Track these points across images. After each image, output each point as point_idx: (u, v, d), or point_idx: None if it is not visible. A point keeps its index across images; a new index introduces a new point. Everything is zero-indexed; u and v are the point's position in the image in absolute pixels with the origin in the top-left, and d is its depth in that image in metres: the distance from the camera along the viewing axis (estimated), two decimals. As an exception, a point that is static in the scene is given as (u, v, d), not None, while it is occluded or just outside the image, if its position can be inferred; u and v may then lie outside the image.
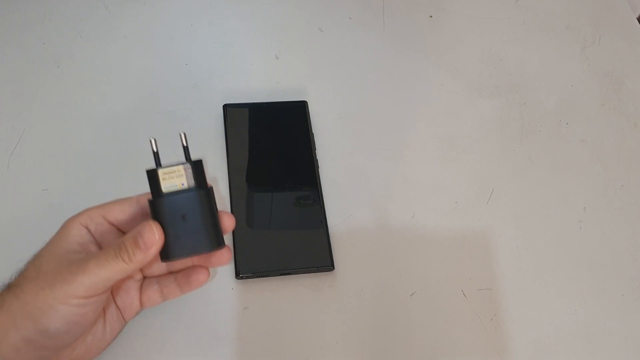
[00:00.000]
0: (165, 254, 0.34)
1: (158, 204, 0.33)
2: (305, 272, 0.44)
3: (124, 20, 0.56)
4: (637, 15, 0.66)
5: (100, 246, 0.35)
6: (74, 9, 0.56)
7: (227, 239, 0.42)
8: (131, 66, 0.54)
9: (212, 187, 0.35)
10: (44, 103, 0.50)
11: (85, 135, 0.49)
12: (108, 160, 0.48)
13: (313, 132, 0.50)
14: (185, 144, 0.35)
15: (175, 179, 0.34)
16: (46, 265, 0.32)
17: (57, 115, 0.50)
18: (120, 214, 0.35)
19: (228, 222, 0.36)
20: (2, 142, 0.48)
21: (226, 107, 0.50)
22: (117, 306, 0.37)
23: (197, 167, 0.34)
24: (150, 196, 0.34)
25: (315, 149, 0.49)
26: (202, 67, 0.54)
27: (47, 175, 0.46)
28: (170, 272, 0.39)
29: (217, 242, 0.35)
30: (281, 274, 0.43)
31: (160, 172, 0.33)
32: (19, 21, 0.55)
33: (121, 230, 0.37)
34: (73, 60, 0.53)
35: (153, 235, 0.32)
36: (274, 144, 0.49)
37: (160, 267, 0.39)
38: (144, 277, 0.39)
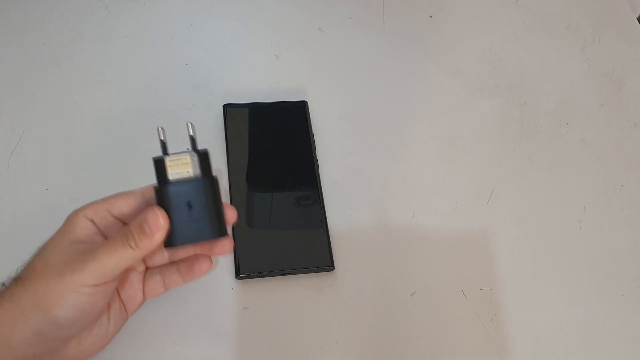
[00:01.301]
0: (169, 241, 0.34)
1: (164, 191, 0.34)
2: (305, 272, 0.44)
3: (124, 20, 0.56)
4: (637, 15, 0.66)
5: (106, 237, 0.35)
6: (74, 9, 0.56)
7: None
8: (131, 66, 0.54)
9: (217, 177, 0.35)
10: (44, 103, 0.50)
11: (85, 135, 0.49)
12: (108, 160, 0.48)
13: (313, 132, 0.50)
14: (192, 134, 0.35)
15: (181, 167, 0.34)
16: (53, 258, 0.32)
17: (57, 115, 0.50)
18: (124, 208, 0.36)
19: (230, 214, 0.36)
20: (2, 142, 0.48)
21: (226, 107, 0.50)
22: (120, 299, 0.37)
23: (203, 157, 0.35)
24: (155, 186, 0.35)
25: (315, 149, 0.49)
26: (202, 67, 0.54)
27: (47, 175, 0.46)
28: (172, 262, 0.39)
29: (220, 231, 0.35)
30: (281, 274, 0.43)
31: (167, 159, 0.34)
32: (19, 21, 0.55)
33: (126, 224, 0.37)
34: (73, 60, 0.53)
35: (158, 221, 0.32)
36: (274, 144, 0.49)
37: (163, 257, 0.39)
38: (147, 268, 0.39)
